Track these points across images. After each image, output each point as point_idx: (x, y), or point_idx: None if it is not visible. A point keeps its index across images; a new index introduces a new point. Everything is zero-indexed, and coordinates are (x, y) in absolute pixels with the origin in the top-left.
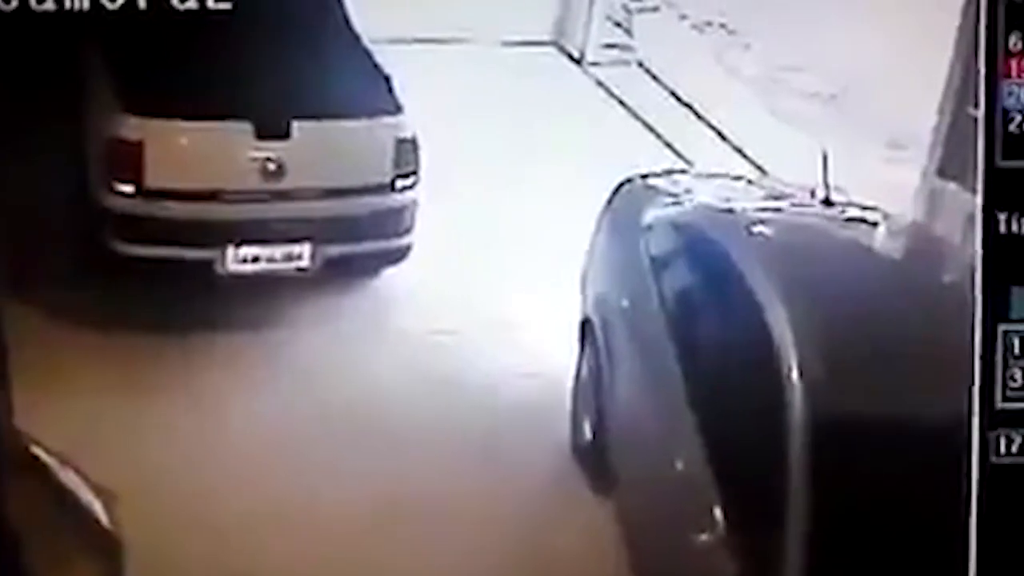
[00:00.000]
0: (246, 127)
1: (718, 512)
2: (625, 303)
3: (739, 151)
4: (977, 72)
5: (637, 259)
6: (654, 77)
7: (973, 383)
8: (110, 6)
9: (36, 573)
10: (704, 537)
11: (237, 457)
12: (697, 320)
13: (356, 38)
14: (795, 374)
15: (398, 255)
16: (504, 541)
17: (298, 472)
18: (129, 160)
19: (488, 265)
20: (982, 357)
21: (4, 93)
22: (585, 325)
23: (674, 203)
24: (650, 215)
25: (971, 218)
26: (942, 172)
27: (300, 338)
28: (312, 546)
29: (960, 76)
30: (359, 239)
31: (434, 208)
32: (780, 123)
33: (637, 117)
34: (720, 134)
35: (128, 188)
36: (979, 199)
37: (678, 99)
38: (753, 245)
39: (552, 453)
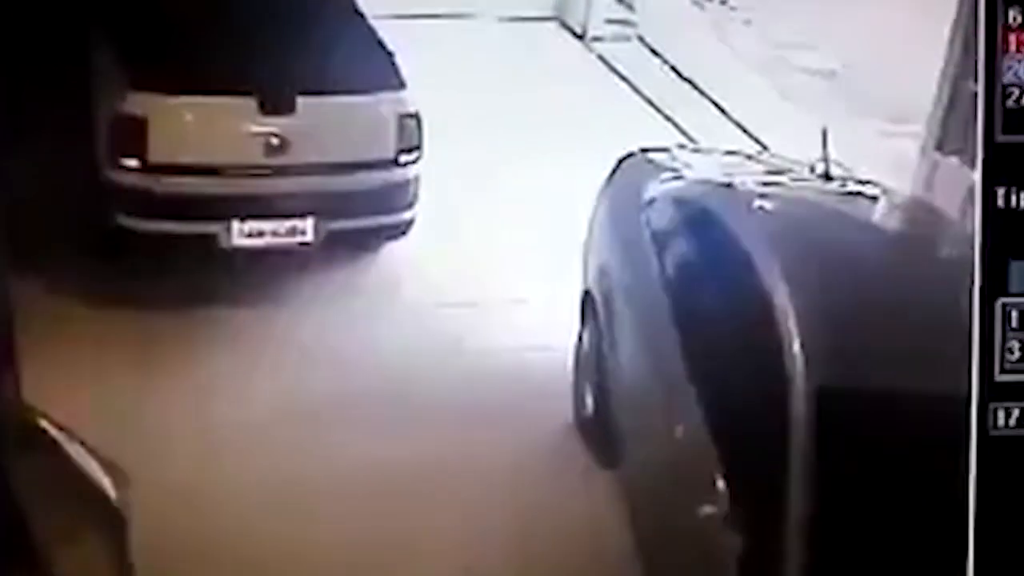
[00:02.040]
0: (250, 102)
1: (720, 483)
2: (626, 276)
3: (739, 126)
4: (976, 46)
5: (638, 233)
6: (655, 52)
7: (971, 356)
8: None
9: (42, 546)
10: (706, 509)
11: (243, 431)
12: (697, 293)
13: (360, 14)
14: (796, 345)
15: (401, 229)
16: (507, 513)
17: (304, 446)
18: (134, 135)
19: (490, 239)
20: (980, 330)
21: (12, 70)
22: (586, 297)
23: (675, 177)
24: (651, 189)
25: (970, 192)
26: (941, 147)
27: (304, 312)
28: (318, 521)
29: (959, 51)
30: (362, 214)
31: (437, 183)
32: (780, 98)
33: (638, 92)
34: (721, 109)
35: (133, 163)
36: (978, 173)
37: (679, 74)
38: (753, 219)
39: (557, 425)
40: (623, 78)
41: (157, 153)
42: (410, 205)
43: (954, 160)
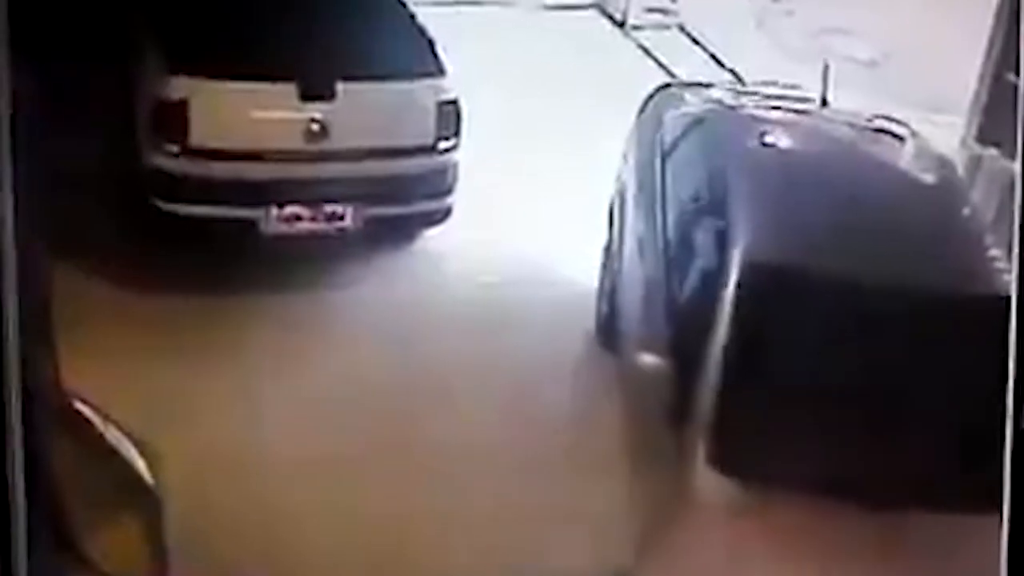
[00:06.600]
0: (290, 88)
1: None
2: (636, 186)
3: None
4: (1018, 37)
5: (652, 149)
6: (695, 41)
7: (1008, 351)
8: None
9: (78, 527)
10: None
11: (280, 416)
12: (682, 188)
13: (400, 1)
14: (739, 226)
15: (439, 216)
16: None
17: (342, 429)
18: (174, 120)
19: (529, 226)
20: (1018, 323)
21: (54, 55)
22: (610, 212)
23: (692, 104)
24: (670, 114)
25: (1010, 183)
26: (982, 138)
27: (342, 297)
28: (362, 496)
29: (1001, 41)
30: (401, 200)
31: (475, 170)
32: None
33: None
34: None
35: (173, 148)
36: (1018, 165)
37: (719, 63)
38: (740, 129)
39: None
40: (663, 67)
41: (197, 138)
42: (448, 192)
43: (994, 151)
